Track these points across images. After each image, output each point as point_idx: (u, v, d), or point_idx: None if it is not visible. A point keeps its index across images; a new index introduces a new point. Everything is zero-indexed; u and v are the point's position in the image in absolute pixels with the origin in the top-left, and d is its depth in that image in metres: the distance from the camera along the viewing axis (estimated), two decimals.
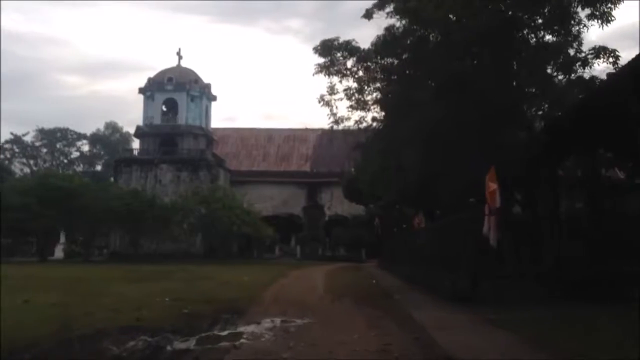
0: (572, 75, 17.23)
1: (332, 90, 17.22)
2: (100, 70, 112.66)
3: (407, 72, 16.34)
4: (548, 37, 16.79)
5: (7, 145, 74.66)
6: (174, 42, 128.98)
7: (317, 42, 17.01)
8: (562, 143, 16.09)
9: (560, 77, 17.17)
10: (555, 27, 16.45)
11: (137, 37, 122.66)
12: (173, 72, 52.03)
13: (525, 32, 16.51)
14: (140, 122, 51.96)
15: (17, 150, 75.41)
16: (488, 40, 15.24)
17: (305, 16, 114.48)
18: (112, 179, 52.65)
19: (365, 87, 16.84)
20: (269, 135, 64.22)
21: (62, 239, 50.95)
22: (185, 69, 53.07)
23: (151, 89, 51.39)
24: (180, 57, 53.03)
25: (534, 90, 16.61)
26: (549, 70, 16.95)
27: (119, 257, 44.99)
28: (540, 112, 17.89)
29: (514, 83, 16.51)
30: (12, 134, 76.39)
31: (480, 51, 15.75)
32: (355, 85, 17.03)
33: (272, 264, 39.64)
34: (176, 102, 51.21)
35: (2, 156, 73.10)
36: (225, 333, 10.50)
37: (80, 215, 39.78)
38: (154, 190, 47.22)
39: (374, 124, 17.73)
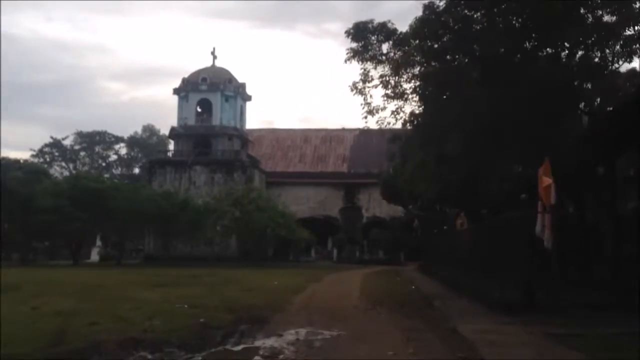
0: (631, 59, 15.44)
1: (365, 77, 15.70)
2: (141, 76, 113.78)
3: (449, 55, 14.71)
4: (606, 17, 15.05)
5: (46, 149, 75.28)
6: (213, 47, 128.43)
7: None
8: (622, 135, 14.25)
9: (619, 62, 15.41)
10: (615, 6, 14.71)
11: (178, 44, 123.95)
12: (207, 72, 51.15)
13: (581, 10, 14.77)
14: (175, 124, 51.24)
15: (56, 154, 75.93)
16: (540, 19, 13.58)
17: (343, 19, 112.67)
18: (148, 181, 51.96)
19: (403, 73, 15.23)
20: (305, 135, 62.91)
21: (98, 242, 50.89)
22: (220, 68, 52.15)
23: (185, 90, 50.61)
24: (214, 57, 52.21)
25: (590, 74, 14.85)
26: (607, 52, 15.18)
27: (152, 260, 44.35)
28: (597, 100, 16.11)
29: (569, 67, 14.76)
30: (52, 137, 77.11)
31: (532, 31, 14.06)
32: (391, 71, 15.45)
33: (307, 268, 38.24)
34: (210, 102, 50.28)
35: (41, 160, 73.66)
36: (239, 348, 9.11)
37: (111, 217, 39.07)
38: (187, 192, 46.38)
39: (412, 114, 16.03)
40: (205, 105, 50.91)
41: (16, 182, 45.12)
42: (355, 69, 15.95)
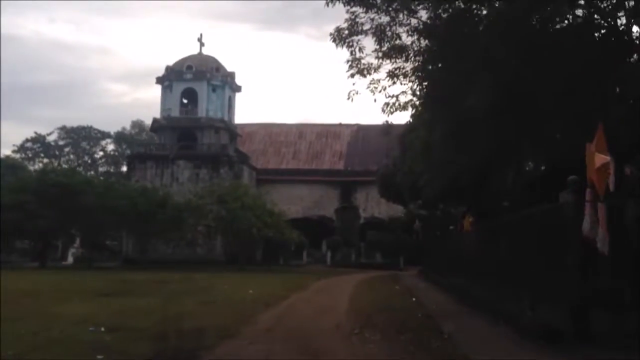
0: None
1: (353, 24, 11.90)
2: (144, 77, 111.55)
3: None
4: None
5: (28, 144, 71.61)
6: (200, 33, 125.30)
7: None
8: None
9: None
10: None
11: (181, 45, 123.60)
12: (193, 60, 47.48)
13: None
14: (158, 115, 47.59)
15: (38, 149, 72.22)
16: None
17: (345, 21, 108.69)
18: (127, 177, 48.27)
19: (403, 21, 11.50)
20: (300, 131, 59.21)
21: (77, 243, 47.30)
22: (207, 56, 48.46)
23: (169, 79, 46.99)
24: (202, 44, 48.52)
25: None
26: None
27: (130, 262, 40.73)
28: None
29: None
30: (35, 132, 73.59)
31: None
32: (387, 19, 11.71)
33: (297, 272, 34.56)
34: (196, 92, 46.62)
35: (23, 155, 69.96)
36: None
37: (81, 215, 35.33)
38: (169, 189, 42.68)
39: (415, 72, 12.30)
40: (191, 95, 47.31)
41: None
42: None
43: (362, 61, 11.98)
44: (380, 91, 12.39)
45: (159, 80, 47.65)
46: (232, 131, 48.60)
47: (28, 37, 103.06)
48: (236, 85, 49.31)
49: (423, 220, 42.70)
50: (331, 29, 11.79)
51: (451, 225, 31.43)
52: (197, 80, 46.39)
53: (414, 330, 10.68)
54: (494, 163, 15.61)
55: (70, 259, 45.77)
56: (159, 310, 12.99)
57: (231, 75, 48.49)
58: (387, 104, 12.57)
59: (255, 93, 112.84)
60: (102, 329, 10.05)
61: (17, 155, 69.36)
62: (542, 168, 18.51)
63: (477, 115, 10.43)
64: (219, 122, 46.50)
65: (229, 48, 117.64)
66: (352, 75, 12.02)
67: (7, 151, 74.52)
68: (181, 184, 44.00)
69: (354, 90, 12.19)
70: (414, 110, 20.65)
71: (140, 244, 41.04)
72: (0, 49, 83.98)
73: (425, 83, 12.19)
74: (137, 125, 77.78)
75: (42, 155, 72.65)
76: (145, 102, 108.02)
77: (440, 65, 11.44)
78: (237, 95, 50.32)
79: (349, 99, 12.32)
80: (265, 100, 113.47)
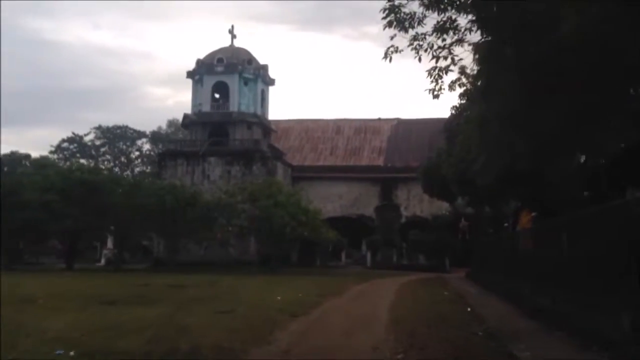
0: None
1: None
2: (185, 80, 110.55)
3: None
4: None
5: (64, 145, 70.97)
6: (232, 25, 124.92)
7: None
8: None
9: None
10: None
11: (220, 47, 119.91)
12: (224, 53, 45.49)
13: None
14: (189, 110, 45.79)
15: (75, 150, 71.53)
16: None
17: (383, 22, 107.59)
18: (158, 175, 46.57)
19: None
20: (338, 126, 56.66)
21: (110, 243, 45.82)
22: (238, 48, 46.39)
23: (199, 73, 45.10)
24: (233, 36, 46.49)
25: None
26: None
27: (161, 264, 38.92)
28: None
29: None
30: (73, 133, 72.99)
31: None
32: None
33: (334, 275, 32.13)
34: (227, 86, 44.60)
35: (60, 156, 69.32)
36: None
37: (107, 214, 33.64)
38: (200, 187, 40.74)
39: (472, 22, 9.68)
40: (222, 89, 45.34)
41: (18, 177, 40.49)
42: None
43: (403, 10, 9.37)
44: (426, 50, 9.77)
45: (190, 75, 45.87)
46: (266, 126, 46.46)
47: (72, 42, 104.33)
48: (269, 78, 47.13)
49: (469, 218, 39.83)
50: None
51: (505, 223, 28.62)
52: (228, 74, 44.38)
53: (477, 353, 8.12)
54: (561, 146, 12.83)
55: (103, 261, 44.36)
56: (160, 324, 10.78)
57: (264, 67, 46.34)
58: (434, 68, 9.92)
59: (291, 90, 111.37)
60: (72, 352, 7.84)
61: (54, 156, 68.74)
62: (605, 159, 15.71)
63: (565, 62, 7.78)
64: (251, 117, 44.42)
65: (266, 47, 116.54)
66: (390, 25, 9.43)
67: (44, 152, 74.49)
68: (212, 181, 42.03)
69: (392, 46, 9.62)
70: (463, 89, 17.99)
71: (171, 245, 39.15)
72: (0, 50, 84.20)
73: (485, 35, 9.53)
74: (174, 124, 76.46)
75: (78, 155, 71.86)
76: (187, 105, 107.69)
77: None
78: (273, 91, 48.35)
79: (385, 58, 9.77)
80: (302, 97, 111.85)
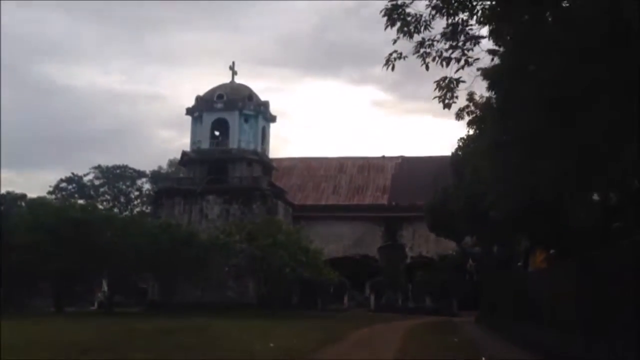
0: None
1: None
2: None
3: None
4: None
5: (63, 185, 69.84)
6: (232, 61, 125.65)
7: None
8: None
9: None
10: None
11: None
12: (224, 89, 44.54)
13: None
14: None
15: (73, 190, 70.35)
16: None
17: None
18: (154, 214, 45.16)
19: None
20: (341, 164, 55.45)
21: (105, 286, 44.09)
22: (239, 85, 45.46)
23: (199, 109, 44.12)
24: (234, 73, 45.60)
25: None
26: None
27: (156, 307, 37.20)
28: None
29: None
30: (72, 173, 72.03)
31: None
32: None
33: (335, 319, 30.34)
34: (227, 122, 43.56)
35: (58, 196, 68.06)
36: None
37: (99, 254, 32.11)
38: (198, 226, 39.30)
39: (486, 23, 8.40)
40: (222, 126, 44.26)
41: (9, 217, 39.28)
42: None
43: (408, 10, 8.09)
44: (434, 59, 8.45)
45: (189, 112, 44.88)
46: (266, 163, 45.21)
47: (83, 87, 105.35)
48: (271, 115, 46.11)
49: (477, 258, 38.22)
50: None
51: (516, 262, 27.09)
52: (228, 110, 43.35)
53: None
54: (588, 170, 11.48)
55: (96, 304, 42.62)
56: None
57: (265, 104, 45.35)
58: (444, 79, 8.59)
59: (293, 129, 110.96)
60: None
61: (52, 197, 67.52)
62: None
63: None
64: (251, 154, 43.22)
65: (269, 88, 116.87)
66: (392, 24, 8.12)
67: (43, 194, 73.57)
68: (210, 220, 40.57)
69: (395, 52, 8.30)
70: (472, 116, 16.77)
71: (166, 287, 37.50)
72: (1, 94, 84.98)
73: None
74: (174, 163, 75.30)
75: (76, 195, 70.66)
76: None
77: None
78: (275, 129, 47.39)
79: (387, 65, 8.46)
80: (304, 136, 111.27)
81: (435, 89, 8.61)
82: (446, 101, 8.55)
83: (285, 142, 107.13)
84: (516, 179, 12.03)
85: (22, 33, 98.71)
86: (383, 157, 56.53)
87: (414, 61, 8.46)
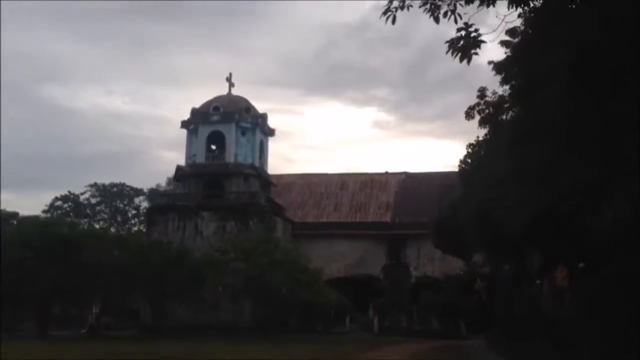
0: None
1: None
2: None
3: None
4: None
5: (58, 203, 68.13)
6: (230, 72, 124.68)
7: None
8: None
9: None
10: None
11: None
12: (220, 101, 42.97)
13: None
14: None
15: (68, 208, 68.64)
16: None
17: (391, 84, 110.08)
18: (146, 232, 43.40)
19: None
20: (342, 181, 53.62)
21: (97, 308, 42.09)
22: (235, 96, 43.87)
23: (194, 122, 42.54)
24: (231, 84, 44.06)
25: None
26: None
27: (148, 331, 35.30)
28: None
29: None
30: (68, 192, 70.44)
31: None
32: None
33: (335, 343, 28.34)
34: (223, 135, 41.93)
35: (51, 214, 66.31)
36: None
37: (85, 273, 30.25)
38: (192, 244, 37.48)
39: None
40: (218, 139, 42.65)
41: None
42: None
43: None
44: (446, 15, 6.76)
45: (184, 125, 43.32)
46: (264, 179, 43.46)
47: (86, 108, 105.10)
48: (269, 128, 44.48)
49: (485, 278, 36.26)
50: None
51: (530, 280, 25.13)
52: (224, 123, 41.72)
53: None
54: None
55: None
56: None
57: (263, 117, 43.74)
58: (459, 38, 6.86)
59: (293, 146, 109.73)
60: None
61: (47, 215, 65.83)
62: None
63: None
64: (248, 168, 41.48)
65: (274, 110, 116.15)
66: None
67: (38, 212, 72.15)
68: (205, 238, 38.70)
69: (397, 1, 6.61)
70: (484, 114, 15.09)
71: (158, 308, 35.57)
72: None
73: None
74: (172, 181, 73.84)
75: (71, 214, 68.96)
76: None
77: None
78: (274, 147, 45.77)
79: (386, 16, 6.78)
80: (307, 157, 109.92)
81: (448, 51, 6.89)
82: (467, 49, 6.77)
83: (289, 163, 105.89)
84: (542, 177, 10.21)
85: (26, 53, 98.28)
86: (386, 173, 54.80)
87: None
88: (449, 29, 7.20)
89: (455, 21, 6.71)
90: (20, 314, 36.36)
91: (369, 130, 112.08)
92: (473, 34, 6.57)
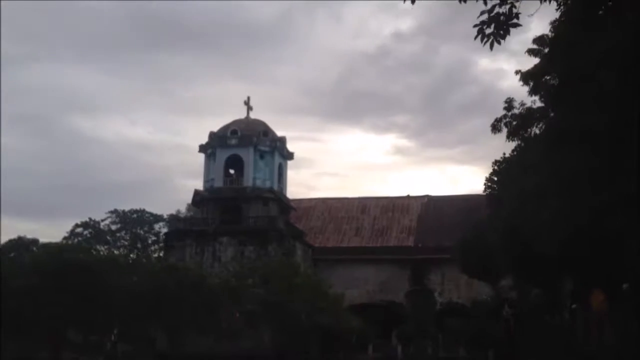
0: None
1: None
2: None
3: None
4: None
5: (79, 230, 67.89)
6: (247, 96, 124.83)
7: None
8: None
9: None
10: None
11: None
12: (238, 125, 42.50)
13: None
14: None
15: (89, 235, 68.34)
16: None
17: (411, 111, 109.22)
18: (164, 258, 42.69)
19: None
20: (363, 205, 52.45)
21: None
22: (254, 120, 43.40)
23: (212, 146, 42.04)
24: (249, 108, 43.60)
25: None
26: None
27: (164, 359, 34.21)
28: None
29: None
30: (89, 218, 70.26)
31: None
32: None
33: None
34: (241, 159, 41.31)
35: (71, 241, 66.06)
36: None
37: (98, 300, 29.50)
38: (210, 269, 36.62)
39: None
40: (236, 163, 42.05)
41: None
42: None
43: None
44: None
45: (202, 149, 42.89)
46: (283, 203, 42.61)
47: (110, 139, 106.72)
48: (288, 151, 43.80)
49: (514, 304, 34.72)
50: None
51: (562, 305, 23.80)
52: (242, 146, 41.18)
53: None
54: None
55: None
56: None
57: (281, 140, 43.11)
58: (489, 20, 5.92)
59: (313, 171, 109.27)
60: None
61: (66, 242, 65.58)
62: None
63: None
64: (267, 192, 40.72)
65: (294, 138, 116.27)
66: None
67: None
68: (224, 263, 37.83)
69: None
70: (513, 125, 14.08)
71: (174, 336, 34.53)
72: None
73: None
74: (193, 208, 73.41)
75: (92, 241, 68.66)
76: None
77: None
78: (299, 177, 45.41)
79: None
80: (328, 184, 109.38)
81: (477, 37, 5.96)
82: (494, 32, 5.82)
83: (310, 190, 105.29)
84: (581, 188, 9.09)
85: (52, 86, 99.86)
86: (408, 196, 53.55)
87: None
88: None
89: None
90: (33, 342, 35.69)
91: (389, 156, 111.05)
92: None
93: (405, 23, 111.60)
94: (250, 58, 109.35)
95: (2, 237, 57.41)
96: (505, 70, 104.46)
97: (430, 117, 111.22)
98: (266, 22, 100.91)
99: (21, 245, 56.19)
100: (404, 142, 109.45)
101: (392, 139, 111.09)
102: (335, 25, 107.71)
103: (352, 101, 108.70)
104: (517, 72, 14.00)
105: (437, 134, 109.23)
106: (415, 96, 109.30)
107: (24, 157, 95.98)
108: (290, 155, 44.34)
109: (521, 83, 13.91)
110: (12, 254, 51.79)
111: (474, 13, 5.96)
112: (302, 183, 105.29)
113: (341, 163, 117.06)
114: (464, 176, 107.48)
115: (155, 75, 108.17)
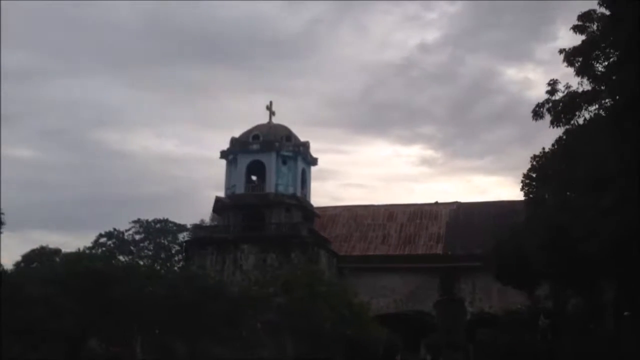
0: None
1: None
2: None
3: None
4: None
5: (102, 240, 67.60)
6: (270, 100, 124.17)
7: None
8: None
9: None
10: None
11: None
12: (260, 130, 41.55)
13: None
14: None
15: (112, 245, 68.01)
16: None
17: (437, 121, 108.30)
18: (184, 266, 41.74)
19: None
20: (390, 212, 50.88)
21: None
22: (276, 125, 42.40)
23: (234, 152, 41.11)
24: (271, 113, 42.57)
25: None
26: None
27: None
28: None
29: None
30: (113, 228, 69.99)
31: None
32: None
33: None
34: (264, 165, 40.28)
35: (95, 252, 65.78)
36: None
37: (115, 309, 28.53)
38: (232, 277, 35.61)
39: None
40: (258, 169, 41.04)
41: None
42: None
43: None
44: None
45: (223, 155, 41.98)
46: (306, 209, 41.40)
47: (137, 152, 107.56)
48: (311, 157, 42.66)
49: (550, 314, 32.94)
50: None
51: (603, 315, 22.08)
52: (264, 152, 40.20)
53: None
54: None
55: None
56: None
57: (305, 145, 41.99)
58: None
59: (344, 188, 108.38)
60: None
61: (89, 252, 65.36)
62: None
63: None
64: (290, 199, 39.58)
65: (320, 150, 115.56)
66: None
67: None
68: (245, 271, 36.83)
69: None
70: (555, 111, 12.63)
71: (194, 346, 33.45)
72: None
73: None
74: (217, 217, 72.74)
75: (116, 251, 68.31)
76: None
77: None
78: (326, 188, 44.20)
79: None
80: (355, 196, 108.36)
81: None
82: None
83: (336, 201, 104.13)
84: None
85: (79, 100, 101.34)
86: (436, 203, 51.92)
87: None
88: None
89: None
90: (52, 352, 34.92)
91: (416, 167, 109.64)
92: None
93: (431, 34, 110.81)
94: (275, 70, 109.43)
95: (28, 249, 56.90)
96: (531, 79, 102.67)
97: (457, 127, 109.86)
98: (292, 35, 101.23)
99: (43, 255, 55.81)
100: (430, 153, 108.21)
101: (418, 150, 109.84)
102: (360, 36, 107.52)
103: (377, 112, 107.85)
104: (561, 51, 12.53)
105: (463, 144, 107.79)
106: (441, 107, 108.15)
107: (53, 170, 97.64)
108: (314, 161, 43.20)
109: (565, 64, 12.32)
110: (34, 264, 51.38)
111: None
112: (328, 194, 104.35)
113: (367, 174, 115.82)
114: (491, 187, 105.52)
115: (182, 89, 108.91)
